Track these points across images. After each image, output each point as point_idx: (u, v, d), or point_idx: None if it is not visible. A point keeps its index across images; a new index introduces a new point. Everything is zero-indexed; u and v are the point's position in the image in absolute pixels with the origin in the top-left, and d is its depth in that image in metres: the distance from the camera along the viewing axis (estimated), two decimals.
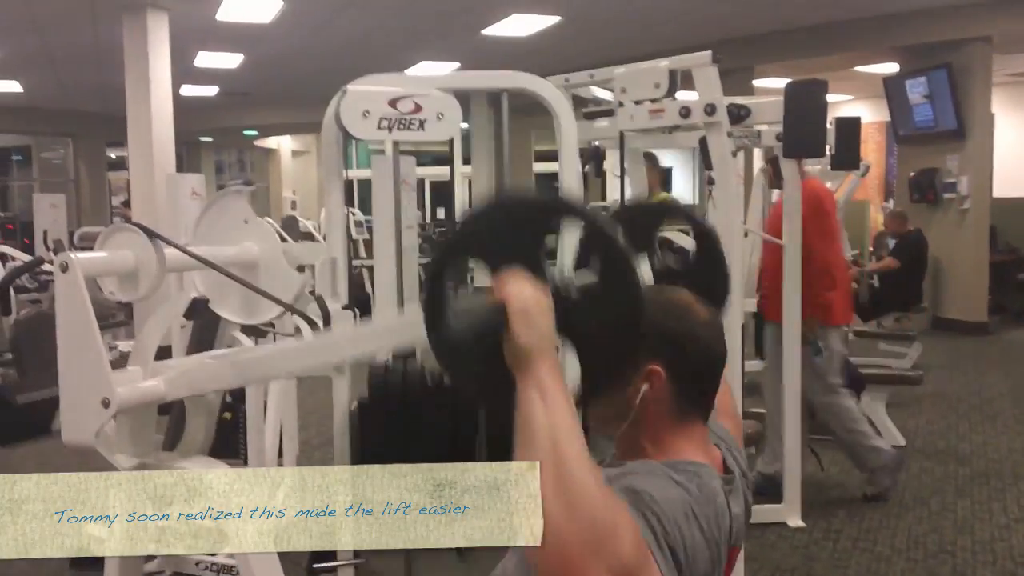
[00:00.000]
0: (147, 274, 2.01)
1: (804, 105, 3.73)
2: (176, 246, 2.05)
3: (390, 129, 2.45)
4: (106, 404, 1.88)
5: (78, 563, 4.27)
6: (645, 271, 1.61)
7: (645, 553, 1.18)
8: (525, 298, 1.20)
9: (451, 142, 4.10)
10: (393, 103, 2.44)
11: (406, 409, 2.46)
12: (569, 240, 1.35)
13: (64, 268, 1.88)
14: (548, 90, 2.54)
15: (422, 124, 2.46)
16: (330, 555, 2.61)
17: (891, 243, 9.55)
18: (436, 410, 2.43)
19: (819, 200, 5.00)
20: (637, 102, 3.35)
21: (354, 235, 10.27)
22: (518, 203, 1.30)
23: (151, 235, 2.00)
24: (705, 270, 1.68)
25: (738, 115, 3.80)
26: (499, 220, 1.27)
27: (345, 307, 2.57)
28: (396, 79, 2.44)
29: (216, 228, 2.45)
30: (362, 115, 2.41)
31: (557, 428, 1.15)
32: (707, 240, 1.72)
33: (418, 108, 2.45)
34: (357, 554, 2.60)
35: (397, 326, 1.64)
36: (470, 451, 2.53)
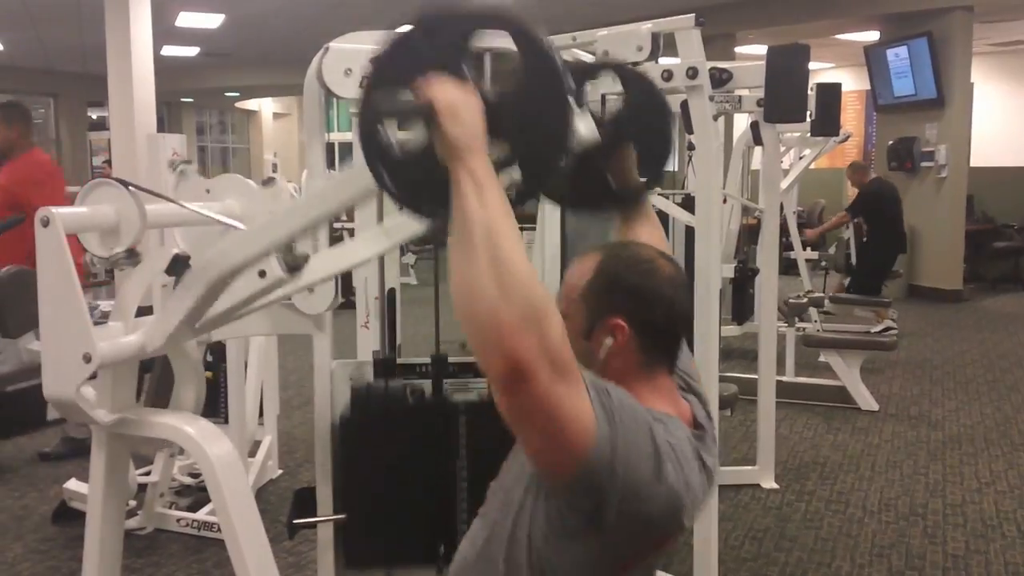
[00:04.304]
0: (128, 229, 2.01)
1: (786, 69, 3.74)
2: (160, 195, 2.05)
3: None
4: (87, 359, 1.89)
5: (61, 516, 4.31)
6: (588, 126, 1.61)
7: (572, 357, 1.25)
8: (450, 95, 1.25)
9: None
10: None
11: (388, 425, 2.51)
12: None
13: (45, 223, 1.89)
14: None
15: None
16: (310, 510, 2.64)
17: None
18: (418, 426, 2.49)
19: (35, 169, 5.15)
20: None
21: None
22: (431, 17, 1.33)
23: (130, 188, 2.00)
24: (646, 119, 1.70)
25: (720, 79, 3.80)
26: (416, 38, 1.32)
27: None
28: (379, 36, 2.43)
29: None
30: (344, 73, 2.39)
31: (492, 219, 1.20)
32: (642, 86, 1.71)
33: None
34: (338, 510, 2.63)
35: (345, 178, 1.59)
36: (453, 462, 2.59)
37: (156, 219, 2.06)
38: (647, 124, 1.67)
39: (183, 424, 2.09)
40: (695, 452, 1.43)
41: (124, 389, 2.13)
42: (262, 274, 1.75)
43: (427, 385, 2.63)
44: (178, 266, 2.32)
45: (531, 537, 1.41)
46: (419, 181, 1.33)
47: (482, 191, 1.21)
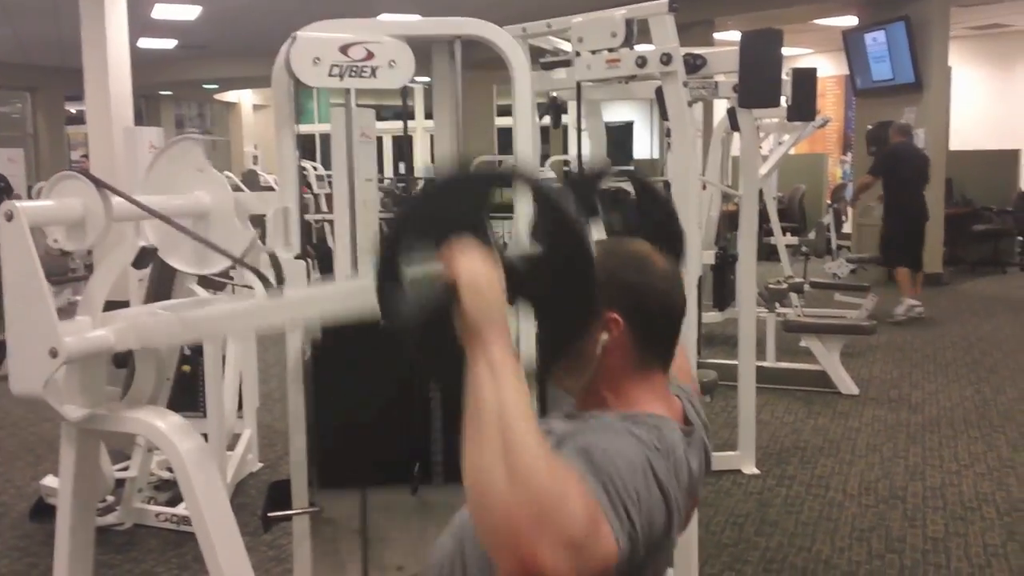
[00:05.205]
0: (94, 223, 1.99)
1: (759, 55, 3.74)
2: (121, 194, 2.03)
3: (342, 76, 2.42)
4: (54, 354, 1.87)
5: (38, 513, 4.29)
6: (600, 232, 1.60)
7: (596, 519, 1.15)
8: (475, 272, 1.19)
9: (404, 93, 4.06)
10: (344, 50, 2.41)
11: (360, 352, 2.46)
12: (524, 210, 1.36)
13: (9, 217, 1.87)
14: (500, 37, 2.48)
15: (374, 71, 2.44)
16: (285, 503, 2.63)
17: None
18: (390, 351, 2.45)
19: None
20: (594, 52, 3.35)
21: (315, 189, 10.21)
22: (462, 178, 1.32)
23: (98, 184, 1.99)
24: (656, 225, 1.68)
25: (694, 65, 3.79)
26: (444, 196, 1.30)
27: (297, 257, 2.56)
28: (347, 25, 2.42)
29: (168, 176, 2.43)
30: (313, 62, 2.39)
31: (505, 404, 1.13)
32: (651, 195, 1.72)
33: (370, 55, 2.43)
34: (312, 503, 2.62)
35: (352, 290, 1.62)
36: (424, 389, 2.59)
37: (123, 212, 2.04)
38: (657, 231, 1.66)
39: (153, 419, 2.07)
40: (686, 457, 1.39)
41: (93, 384, 2.11)
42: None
43: None
44: (146, 259, 2.31)
45: None
46: (432, 345, 1.28)
47: (497, 372, 1.15)
